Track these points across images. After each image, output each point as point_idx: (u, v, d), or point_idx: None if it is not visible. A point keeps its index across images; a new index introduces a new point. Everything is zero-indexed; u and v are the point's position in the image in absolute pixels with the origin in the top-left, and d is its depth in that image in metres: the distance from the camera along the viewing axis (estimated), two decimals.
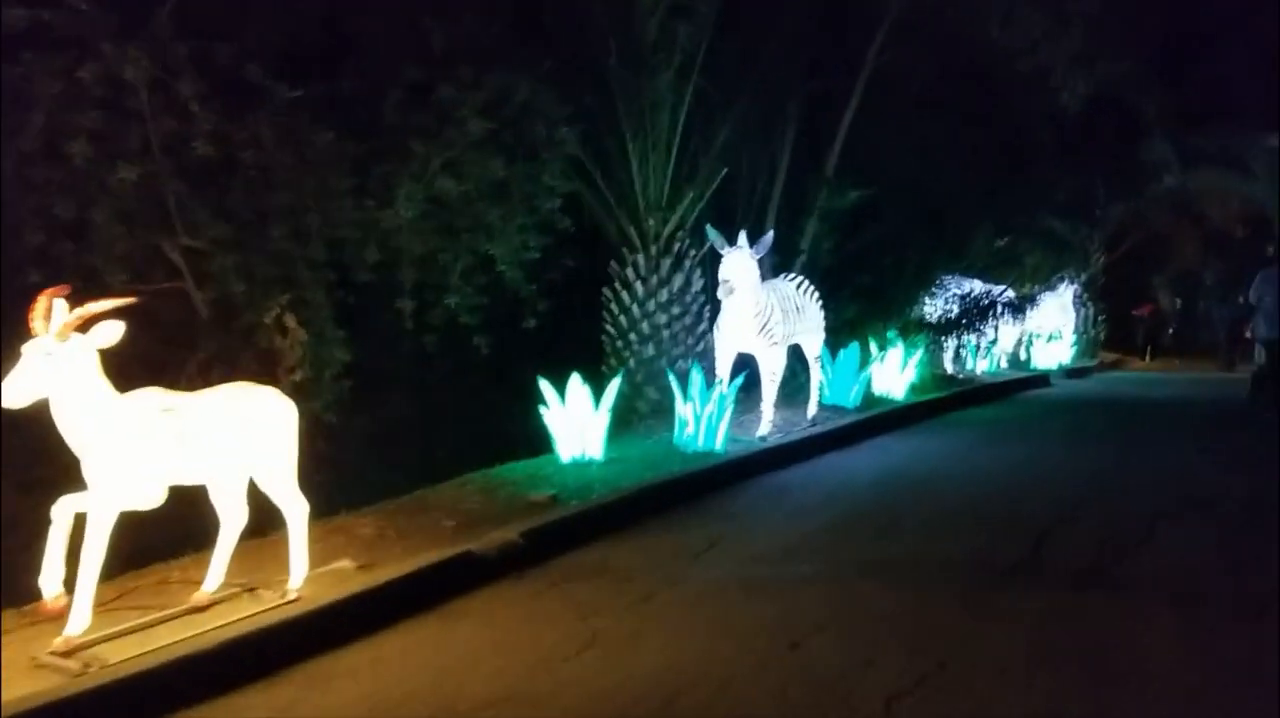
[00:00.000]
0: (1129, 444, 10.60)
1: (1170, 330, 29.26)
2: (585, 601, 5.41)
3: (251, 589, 5.50)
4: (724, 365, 9.69)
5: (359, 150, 9.58)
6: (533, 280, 10.82)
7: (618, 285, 11.44)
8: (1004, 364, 18.11)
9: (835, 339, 12.21)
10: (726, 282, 8.93)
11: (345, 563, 5.95)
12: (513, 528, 6.51)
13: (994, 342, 17.09)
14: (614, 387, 8.79)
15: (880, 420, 11.15)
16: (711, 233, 9.28)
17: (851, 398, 11.50)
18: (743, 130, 12.16)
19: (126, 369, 9.17)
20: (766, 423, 9.77)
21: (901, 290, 13.97)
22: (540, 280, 10.99)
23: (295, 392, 9.05)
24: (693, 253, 11.51)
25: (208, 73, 8.57)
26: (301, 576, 5.46)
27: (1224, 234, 26.94)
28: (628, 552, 6.34)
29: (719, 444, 9.17)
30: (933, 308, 14.98)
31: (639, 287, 11.28)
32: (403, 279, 9.74)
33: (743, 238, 9.17)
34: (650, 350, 11.22)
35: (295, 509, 5.44)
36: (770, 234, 9.26)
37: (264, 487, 5.36)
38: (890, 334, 13.29)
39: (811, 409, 10.72)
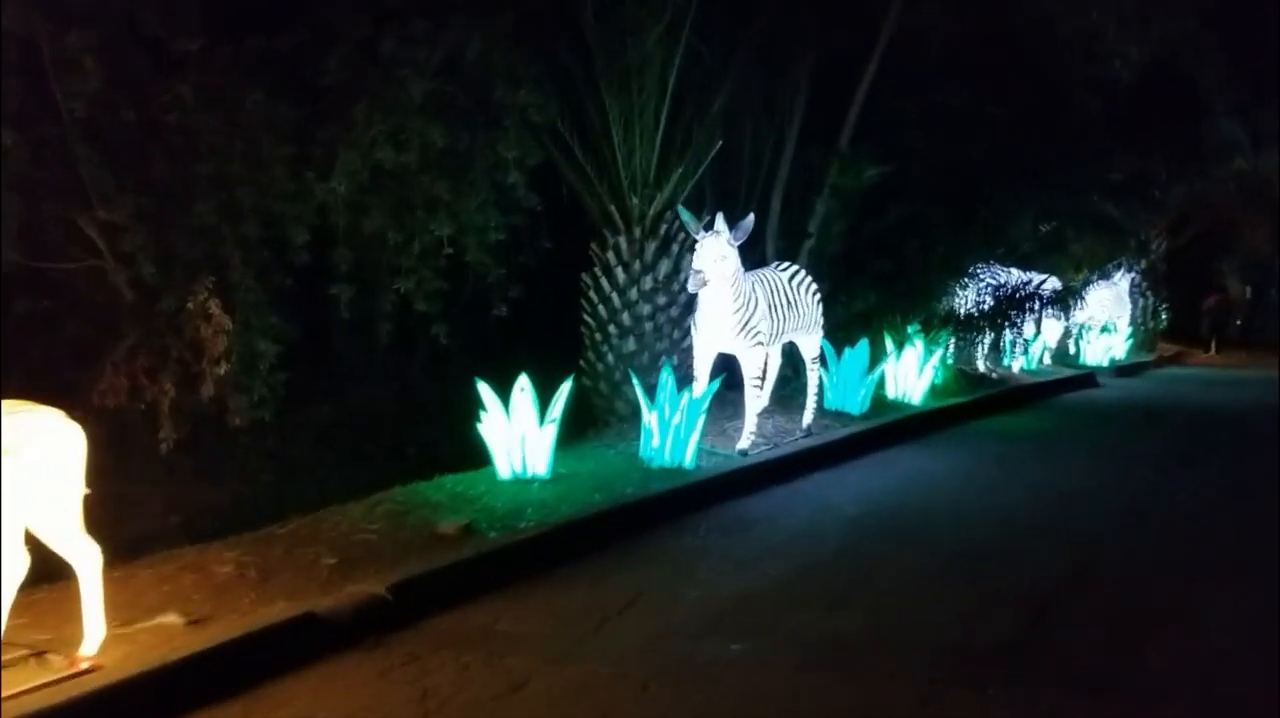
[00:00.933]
0: (1176, 467, 9.20)
1: (1238, 322, 27.27)
2: (438, 687, 4.26)
3: (40, 654, 4.42)
4: (702, 366, 8.49)
5: (297, 114, 8.50)
6: (503, 264, 9.71)
7: (597, 271, 10.24)
8: (1048, 361, 16.63)
9: (846, 335, 10.92)
10: (699, 272, 7.69)
11: (172, 617, 4.87)
12: (394, 574, 5.38)
13: (1035, 336, 15.61)
14: (564, 392, 7.59)
15: (887, 431, 9.85)
16: (684, 214, 8.05)
17: (859, 403, 10.20)
18: (744, 97, 10.87)
19: (47, 357, 8.35)
20: (747, 435, 8.54)
21: (925, 280, 12.56)
22: (511, 264, 9.87)
23: (221, 387, 8.11)
24: (682, 236, 10.22)
25: (103, 24, 7.57)
26: (98, 639, 4.38)
27: None
28: (524, 611, 5.17)
29: (688, 459, 7.97)
30: (964, 299, 13.53)
31: (620, 273, 10.05)
32: (338, 261, 8.65)
33: (719, 221, 7.92)
34: (631, 344, 10.00)
35: (83, 558, 4.36)
36: (750, 218, 7.96)
37: (38, 532, 4.25)
38: (911, 329, 11.92)
39: (807, 417, 9.45)
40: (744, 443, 8.51)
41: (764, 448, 8.70)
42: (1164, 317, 33.11)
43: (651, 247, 10.11)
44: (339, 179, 8.33)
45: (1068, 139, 14.34)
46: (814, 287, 9.25)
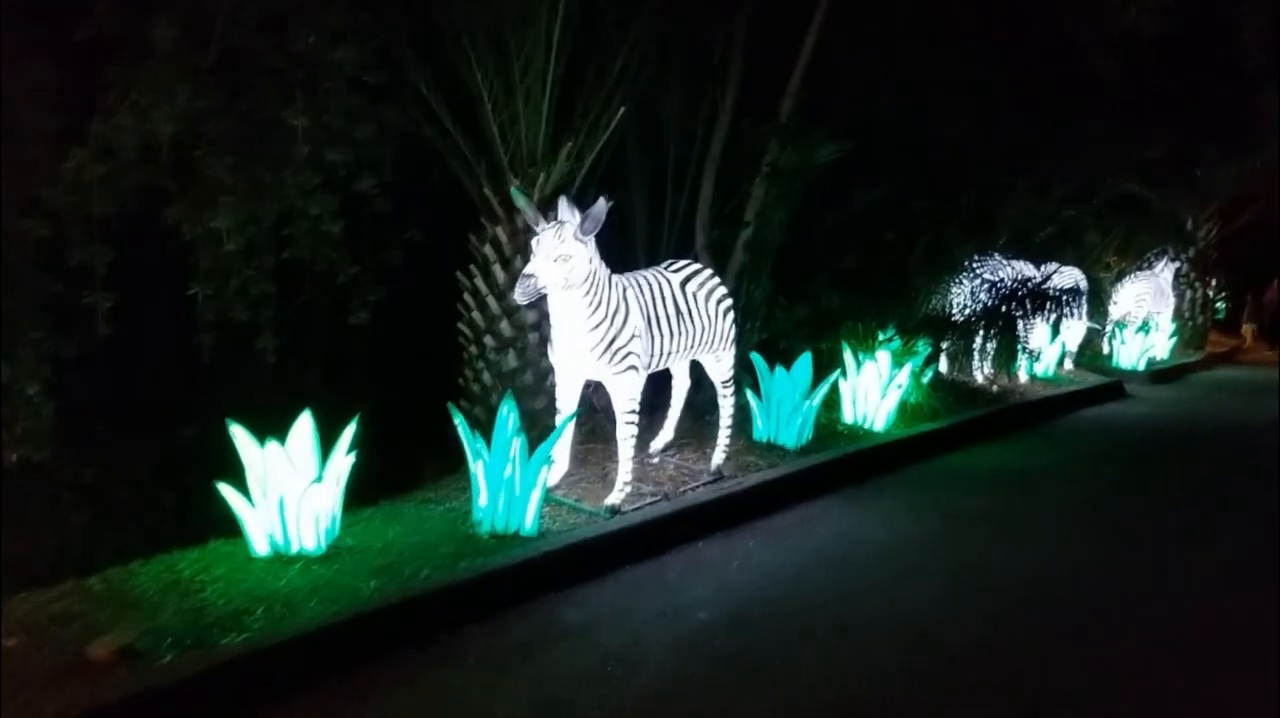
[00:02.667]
0: (1201, 546, 6.89)
1: None
2: None
3: None
4: (565, 395, 6.61)
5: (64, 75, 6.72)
6: (356, 261, 7.86)
7: (474, 268, 8.29)
8: (1069, 367, 14.37)
9: (791, 346, 8.91)
10: (529, 278, 5.75)
11: None
12: None
13: (1053, 338, 13.37)
14: (348, 437, 5.68)
15: (821, 474, 7.82)
16: (518, 198, 6.10)
17: (795, 434, 8.15)
18: (669, 55, 8.82)
19: None
20: (620, 487, 6.62)
21: (902, 277, 10.43)
22: (367, 260, 8.01)
23: None
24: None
25: None
26: None
27: None
28: None
29: (529, 522, 6.03)
30: (955, 299, 11.37)
31: (499, 271, 8.12)
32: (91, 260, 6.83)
33: (564, 206, 5.97)
34: (512, 360, 8.07)
35: None
36: (602, 204, 5.97)
37: None
38: (882, 337, 9.84)
39: (717, 457, 7.46)
40: (614, 497, 6.56)
41: (650, 500, 6.74)
42: (1220, 308, 30.57)
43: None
44: (88, 156, 6.50)
45: (1079, 109, 12.09)
46: (721, 292, 7.23)
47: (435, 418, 6.70)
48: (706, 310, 7.04)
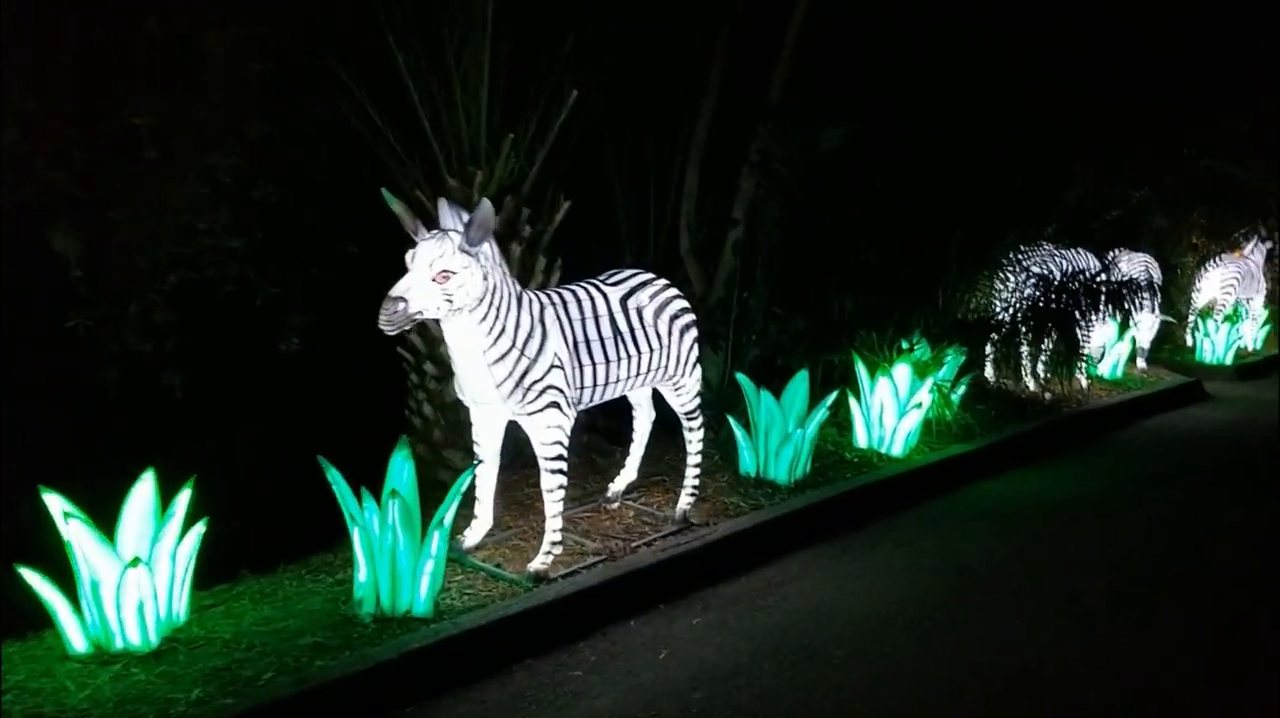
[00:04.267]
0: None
1: None
2: None
3: None
4: (482, 439, 5.46)
5: None
6: (279, 280, 6.90)
7: None
8: (1142, 364, 12.71)
9: (788, 364, 7.65)
10: (397, 301, 4.57)
11: None
12: None
13: (1121, 335, 11.78)
14: (184, 503, 4.61)
15: (814, 516, 6.54)
16: (392, 202, 4.93)
17: (788, 467, 6.87)
18: (632, 28, 7.61)
19: None
20: (544, 550, 5.42)
21: (929, 275, 9.03)
22: (289, 279, 7.04)
23: None
24: (530, 230, 7.13)
25: None
26: None
27: None
28: None
29: (422, 600, 4.90)
30: (998, 297, 9.92)
31: None
32: None
33: (446, 211, 4.81)
34: (454, 390, 6.88)
35: None
36: (486, 206, 4.78)
37: None
38: (906, 346, 8.48)
39: (683, 501, 6.24)
40: (538, 562, 5.38)
41: (590, 561, 5.55)
42: None
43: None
44: None
45: (1148, 74, 10.51)
46: (677, 306, 5.96)
47: (371, 459, 5.61)
48: (657, 329, 5.79)
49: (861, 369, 7.94)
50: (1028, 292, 9.73)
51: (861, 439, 7.92)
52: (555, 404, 5.22)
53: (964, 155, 9.29)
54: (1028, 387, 10.35)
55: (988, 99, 9.20)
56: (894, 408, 7.79)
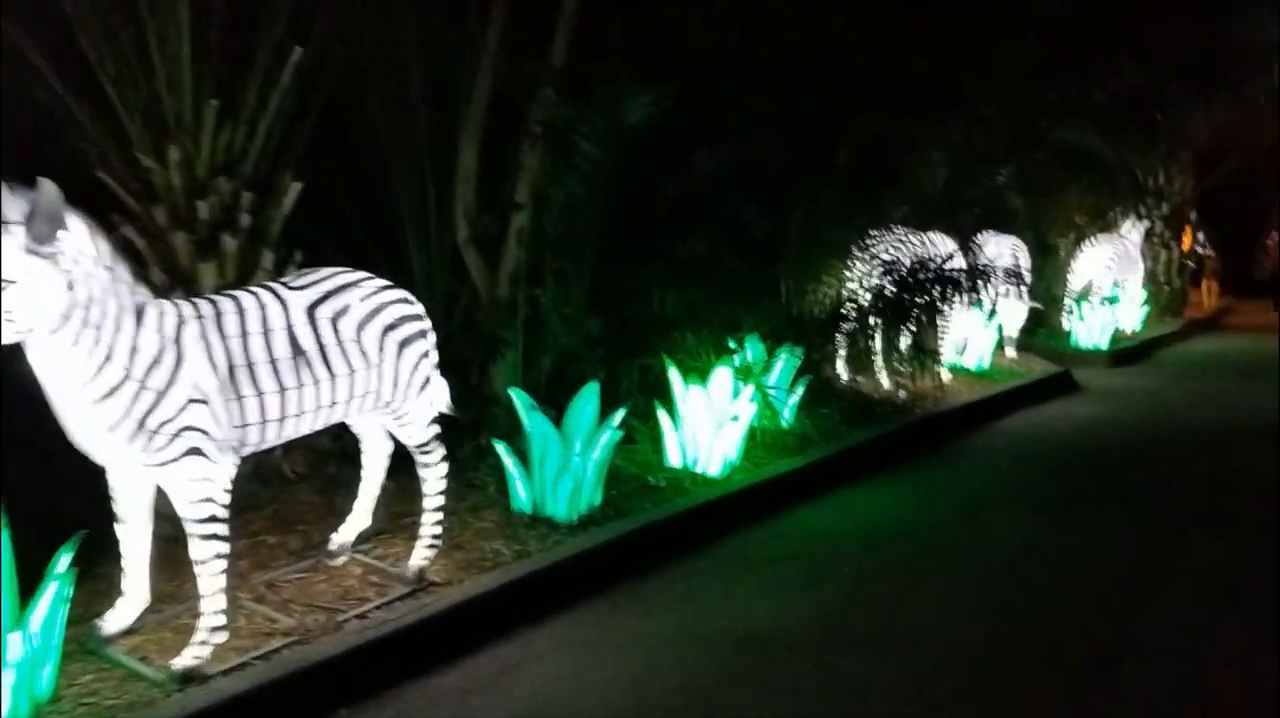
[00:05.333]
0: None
1: None
2: None
3: None
4: (121, 497, 4.10)
5: None
6: None
7: None
8: (1011, 354, 11.82)
9: (580, 374, 6.43)
10: None
11: None
12: None
13: (989, 324, 10.83)
14: None
15: (586, 566, 5.35)
16: None
17: (568, 500, 5.63)
18: None
19: None
20: (200, 638, 4.10)
21: (764, 264, 7.92)
22: None
23: None
24: (255, 218, 5.78)
25: None
26: None
27: None
28: None
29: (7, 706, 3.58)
30: (845, 287, 8.85)
31: None
32: None
33: (5, 200, 3.42)
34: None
35: None
36: (48, 190, 3.41)
37: None
38: (735, 345, 7.34)
39: (418, 554, 4.98)
40: (188, 655, 4.06)
41: (273, 646, 4.24)
42: (1212, 266, 28.02)
43: (181, 242, 5.65)
44: None
45: (1009, 38, 9.51)
46: (394, 314, 4.67)
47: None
48: (362, 345, 4.50)
49: (674, 376, 6.76)
50: (876, 281, 8.66)
51: (674, 458, 6.74)
52: (197, 451, 3.91)
53: (801, 130, 8.17)
54: (881, 385, 9.30)
55: (825, 66, 8.08)
56: (709, 421, 6.62)
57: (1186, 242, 20.32)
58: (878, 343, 9.09)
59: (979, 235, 11.17)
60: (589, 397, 5.87)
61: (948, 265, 8.97)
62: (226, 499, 4.10)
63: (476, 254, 6.62)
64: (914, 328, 9.11)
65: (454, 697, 4.04)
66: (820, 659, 4.31)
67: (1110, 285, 14.85)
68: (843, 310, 8.69)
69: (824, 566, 5.44)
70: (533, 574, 5.11)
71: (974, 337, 10.72)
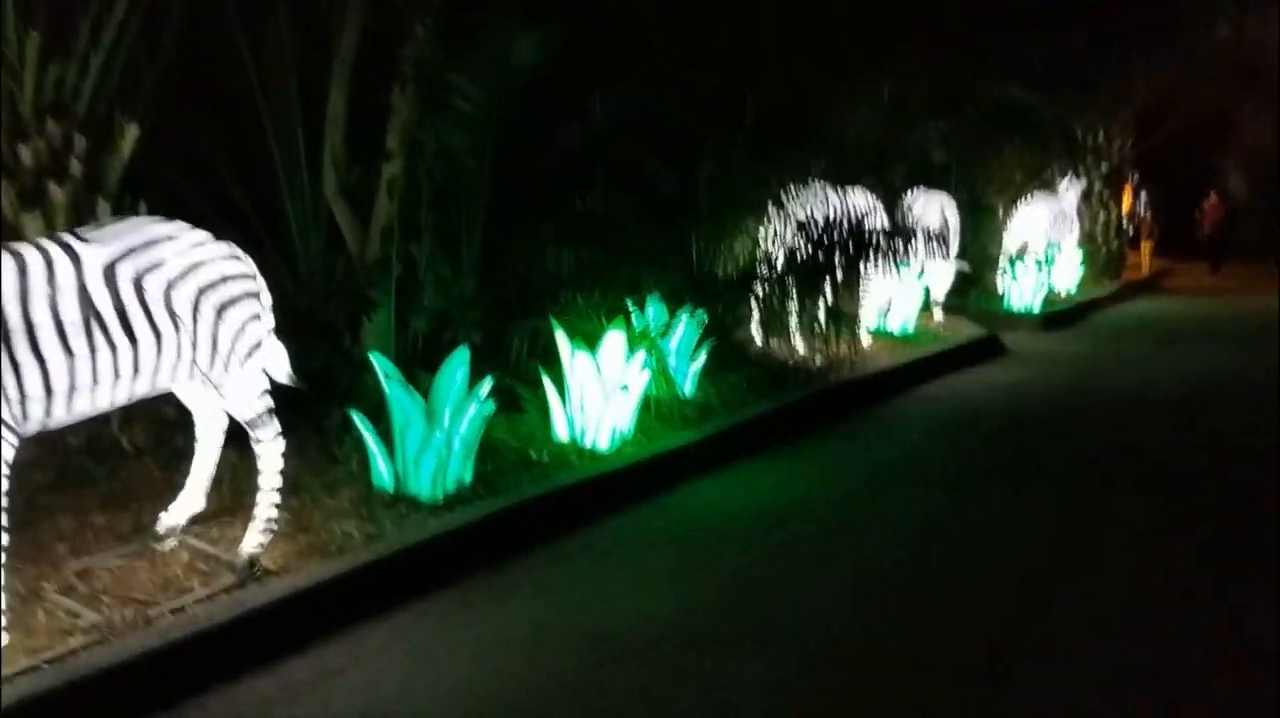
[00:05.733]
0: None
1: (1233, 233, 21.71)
2: None
3: None
4: None
5: None
6: None
7: None
8: (939, 317, 11.48)
9: (455, 338, 5.94)
10: None
11: None
12: None
13: (916, 285, 10.45)
14: None
15: (445, 552, 4.91)
16: None
17: (435, 478, 5.17)
18: None
19: None
20: None
21: (671, 222, 7.44)
22: None
23: None
24: (87, 163, 5.20)
25: None
26: None
27: None
28: None
29: None
30: (772, 243, 8.40)
31: None
32: None
33: None
34: None
35: None
36: None
37: None
38: (636, 308, 6.89)
39: (251, 538, 4.48)
40: None
41: (72, 648, 3.74)
42: (1152, 226, 27.98)
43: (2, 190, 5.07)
44: None
45: None
46: (211, 273, 4.16)
47: None
48: (171, 307, 3.98)
49: (562, 341, 6.28)
50: (791, 240, 8.22)
51: (561, 431, 6.28)
52: None
53: (710, 77, 7.66)
54: (796, 350, 8.89)
55: (735, 7, 7.57)
56: (598, 391, 6.16)
57: (1127, 202, 20.14)
58: (794, 305, 8.66)
59: (908, 193, 10.81)
60: (457, 364, 5.38)
61: (866, 224, 8.56)
62: (4, 485, 3.58)
63: (346, 207, 6.07)
64: (829, 290, 8.71)
65: (258, 707, 3.58)
66: (679, 661, 3.89)
67: (1045, 246, 14.56)
68: (754, 271, 8.25)
69: (704, 551, 5.02)
70: (380, 561, 4.64)
71: (898, 299, 10.33)
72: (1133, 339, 11.92)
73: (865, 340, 9.65)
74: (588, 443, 6.25)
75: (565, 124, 7.18)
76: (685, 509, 5.65)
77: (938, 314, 11.46)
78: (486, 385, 5.34)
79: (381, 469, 5.32)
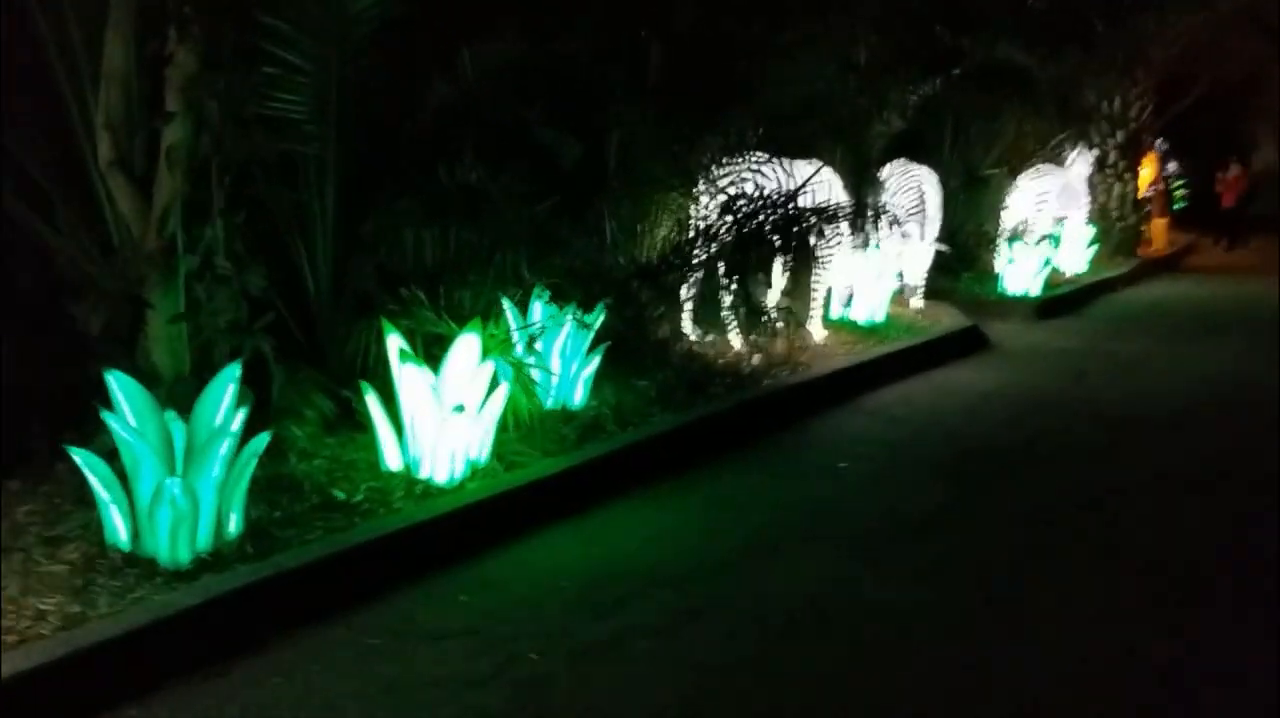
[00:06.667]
0: None
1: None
2: None
3: None
4: None
5: None
6: None
7: None
8: (917, 303, 10.07)
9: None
10: None
11: None
12: None
13: (888, 269, 9.06)
14: None
15: (138, 647, 3.61)
16: None
17: (174, 534, 3.90)
18: None
19: None
20: None
21: (578, 199, 6.13)
22: None
23: None
24: None
25: None
26: None
27: None
28: None
29: None
30: (697, 222, 7.06)
31: None
32: None
33: None
34: None
35: None
36: None
37: None
38: (514, 304, 5.61)
39: None
40: None
41: None
42: (1178, 198, 26.22)
43: None
44: None
45: None
46: None
47: None
48: None
49: (394, 349, 4.98)
50: (720, 219, 6.86)
51: (392, 459, 4.99)
52: None
53: (615, 26, 6.28)
54: (733, 347, 7.55)
55: None
56: (432, 410, 4.86)
57: (1152, 172, 18.48)
58: (727, 296, 7.31)
59: (886, 166, 9.41)
60: (219, 387, 4.11)
61: (815, 200, 7.17)
62: None
63: (126, 183, 4.76)
64: (771, 277, 7.34)
65: None
66: None
67: (1050, 222, 13.06)
68: (681, 256, 6.90)
69: (495, 652, 3.69)
70: (64, 660, 3.38)
71: (862, 285, 8.93)
72: (1135, 331, 10.44)
73: (819, 335, 8.28)
74: (424, 474, 4.96)
75: (432, 81, 5.82)
76: (507, 578, 4.33)
77: (916, 301, 10.05)
78: (238, 415, 4.05)
79: (116, 523, 4.06)
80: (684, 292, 7.38)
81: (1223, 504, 5.35)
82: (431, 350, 5.28)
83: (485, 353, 5.13)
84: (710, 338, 7.62)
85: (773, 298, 8.07)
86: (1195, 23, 13.11)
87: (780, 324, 7.32)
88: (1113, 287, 13.55)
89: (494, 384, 5.14)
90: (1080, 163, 13.85)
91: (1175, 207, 24.57)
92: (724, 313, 7.42)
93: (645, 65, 6.48)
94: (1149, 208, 17.42)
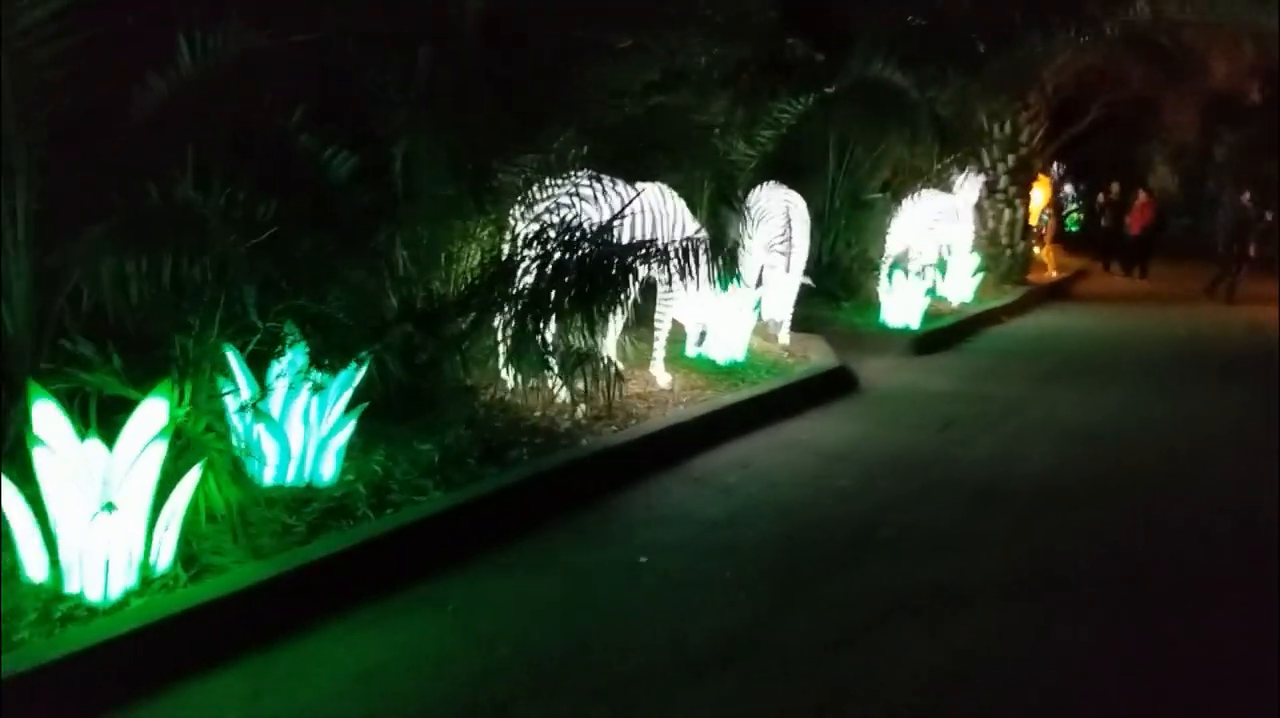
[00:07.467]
0: None
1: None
2: None
3: None
4: None
5: None
6: None
7: None
8: (783, 339, 9.03)
9: None
10: None
11: None
12: None
13: (746, 305, 7.99)
14: None
15: None
16: None
17: None
18: None
19: None
20: None
21: (356, 222, 4.95)
22: None
23: None
24: None
25: None
26: None
27: (1234, 94, 17.36)
28: None
29: None
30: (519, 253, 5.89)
31: None
32: None
33: None
34: None
35: None
36: None
37: None
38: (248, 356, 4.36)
39: None
40: None
41: None
42: (1072, 220, 25.88)
43: None
44: None
45: None
46: None
47: None
48: None
49: (38, 423, 3.70)
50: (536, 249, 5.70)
51: (36, 570, 3.72)
52: None
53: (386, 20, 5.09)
54: (559, 396, 6.38)
55: None
56: (78, 504, 3.60)
57: (1046, 197, 17.89)
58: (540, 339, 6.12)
59: (755, 190, 8.38)
60: None
61: (659, 228, 6.06)
62: None
63: None
64: (603, 316, 6.19)
65: None
66: None
67: (935, 249, 12.20)
68: (487, 292, 5.72)
69: None
70: None
71: (716, 322, 7.85)
72: (1014, 370, 9.55)
73: (663, 379, 7.16)
74: (73, 588, 3.70)
75: (145, 77, 4.57)
76: None
77: (783, 337, 9.02)
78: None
79: None
80: (498, 332, 6.19)
81: (1080, 616, 4.32)
82: (116, 419, 4.02)
83: (176, 423, 3.90)
84: (531, 385, 6.44)
85: (611, 337, 6.93)
86: (1086, 45, 12.33)
87: (614, 368, 6.16)
88: (998, 318, 12.76)
89: (184, 464, 3.91)
90: (969, 187, 13.05)
91: (1069, 229, 24.25)
92: (544, 355, 6.24)
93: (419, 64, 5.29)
94: (1042, 230, 16.78)
